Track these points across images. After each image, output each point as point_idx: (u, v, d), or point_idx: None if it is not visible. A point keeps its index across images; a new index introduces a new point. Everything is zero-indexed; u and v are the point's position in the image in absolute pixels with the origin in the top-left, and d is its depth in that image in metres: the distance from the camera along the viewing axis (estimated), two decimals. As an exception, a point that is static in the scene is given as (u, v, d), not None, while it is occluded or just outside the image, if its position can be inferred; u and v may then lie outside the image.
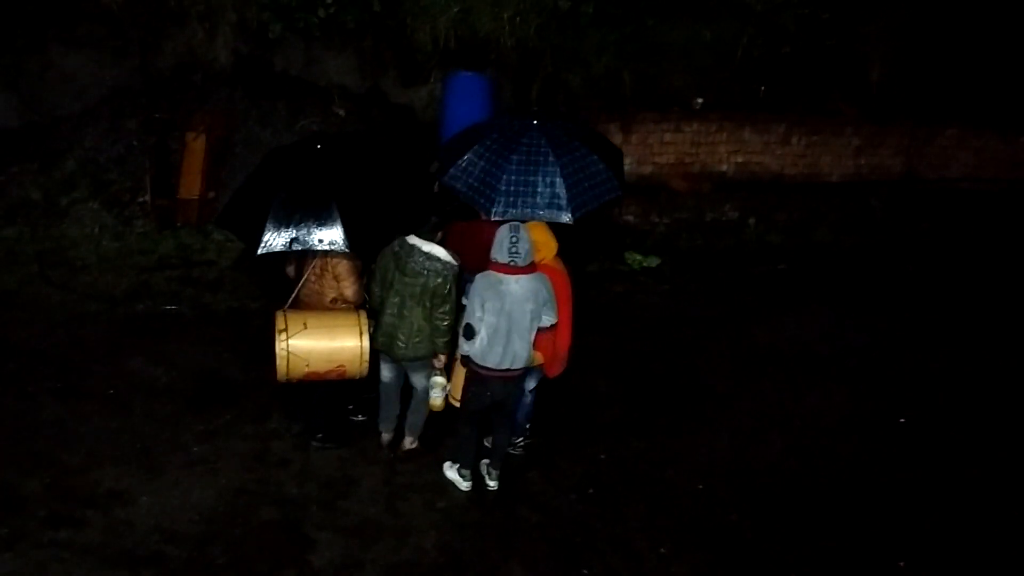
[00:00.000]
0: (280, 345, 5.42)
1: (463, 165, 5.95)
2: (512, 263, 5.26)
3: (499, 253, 5.29)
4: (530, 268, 5.34)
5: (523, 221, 5.61)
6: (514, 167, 5.76)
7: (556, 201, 5.70)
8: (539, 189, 5.73)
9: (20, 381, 6.51)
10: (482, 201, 5.76)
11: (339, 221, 5.25)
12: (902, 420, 7.02)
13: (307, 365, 5.48)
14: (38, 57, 8.79)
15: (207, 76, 9.20)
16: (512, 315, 5.30)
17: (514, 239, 5.26)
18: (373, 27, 9.35)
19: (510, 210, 5.70)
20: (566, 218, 5.70)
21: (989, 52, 10.70)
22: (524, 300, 5.31)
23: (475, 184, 5.84)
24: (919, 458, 6.56)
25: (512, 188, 5.72)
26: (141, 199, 8.67)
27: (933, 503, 6.08)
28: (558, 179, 5.73)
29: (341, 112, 9.37)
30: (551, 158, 5.79)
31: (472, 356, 5.45)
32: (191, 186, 8.71)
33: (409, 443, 6.08)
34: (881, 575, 5.43)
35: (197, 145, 8.74)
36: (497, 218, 5.69)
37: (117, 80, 9.05)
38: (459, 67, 9.08)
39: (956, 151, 11.32)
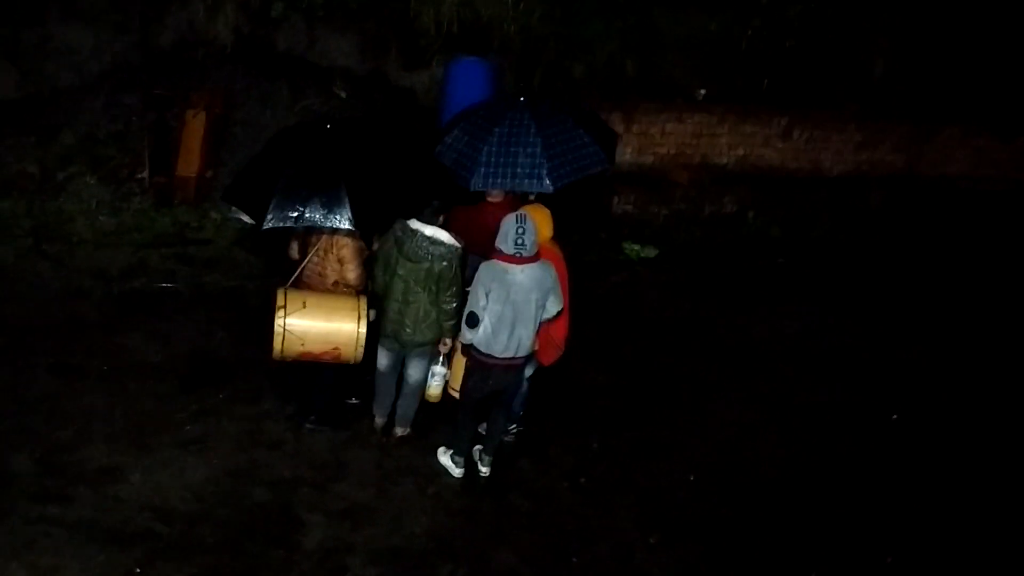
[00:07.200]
0: (278, 322, 5.40)
1: (449, 141, 6.02)
2: (518, 254, 5.22)
3: (504, 244, 5.23)
4: (535, 256, 5.30)
5: (516, 195, 5.64)
6: (495, 139, 5.80)
7: (536, 171, 5.72)
8: (520, 160, 5.76)
9: (12, 356, 6.47)
10: (463, 173, 5.80)
11: (347, 201, 5.16)
12: (895, 417, 7.03)
13: (302, 344, 5.45)
14: (37, 29, 8.70)
15: (208, 54, 9.12)
16: (517, 304, 5.26)
17: (520, 230, 5.21)
18: (376, 9, 9.29)
19: (490, 181, 5.73)
20: (546, 187, 5.72)
21: (991, 53, 10.68)
22: (529, 290, 5.27)
23: (457, 157, 5.89)
24: (910, 455, 6.58)
25: (492, 159, 5.76)
26: (139, 175, 8.62)
27: (921, 500, 6.10)
28: (539, 150, 5.76)
29: (342, 94, 9.31)
30: (533, 130, 5.83)
31: (475, 344, 5.42)
32: (189, 164, 8.64)
33: (400, 431, 6.08)
34: (869, 570, 5.45)
35: (196, 123, 8.67)
36: (476, 189, 5.76)
37: (117, 55, 8.97)
38: (462, 52, 9.03)
39: (956, 150, 11.29)
